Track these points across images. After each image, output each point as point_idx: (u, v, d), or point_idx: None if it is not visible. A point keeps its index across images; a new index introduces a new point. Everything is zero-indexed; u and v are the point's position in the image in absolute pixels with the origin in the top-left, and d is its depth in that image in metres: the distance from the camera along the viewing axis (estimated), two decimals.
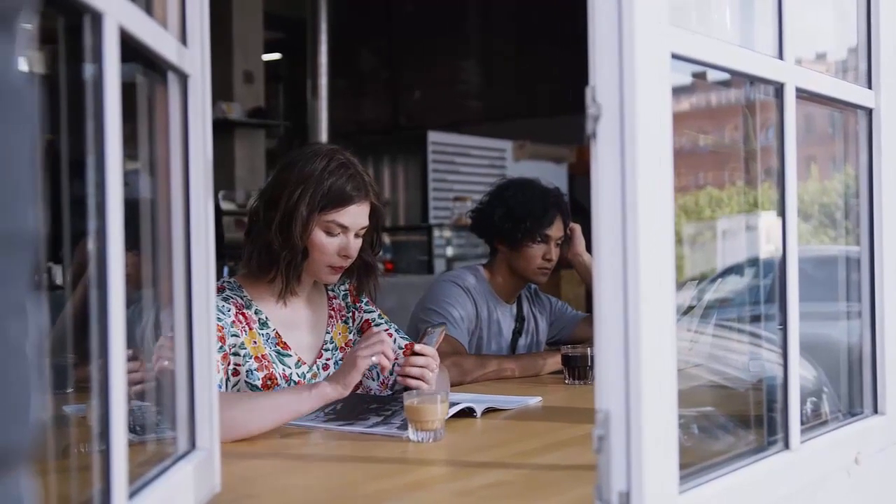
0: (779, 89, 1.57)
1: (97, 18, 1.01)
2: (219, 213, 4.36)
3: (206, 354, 1.41)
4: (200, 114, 1.40)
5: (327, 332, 2.39)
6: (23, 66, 0.59)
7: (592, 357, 2.72)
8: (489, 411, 2.23)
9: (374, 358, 2.01)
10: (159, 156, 1.37)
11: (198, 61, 1.40)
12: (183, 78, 1.37)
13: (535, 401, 2.40)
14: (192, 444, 1.39)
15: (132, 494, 1.11)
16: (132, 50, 1.13)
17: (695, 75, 1.55)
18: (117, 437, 1.03)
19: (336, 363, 2.37)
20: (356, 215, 2.26)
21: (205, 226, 1.41)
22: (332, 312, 2.43)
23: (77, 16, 1.01)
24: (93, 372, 1.03)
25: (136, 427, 1.34)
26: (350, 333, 2.44)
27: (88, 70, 1.03)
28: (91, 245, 1.02)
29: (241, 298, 2.26)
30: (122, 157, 1.04)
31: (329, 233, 2.24)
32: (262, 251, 2.24)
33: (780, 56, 1.57)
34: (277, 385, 2.22)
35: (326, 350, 2.38)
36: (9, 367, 0.55)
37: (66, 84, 1.05)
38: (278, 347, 2.27)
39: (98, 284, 1.02)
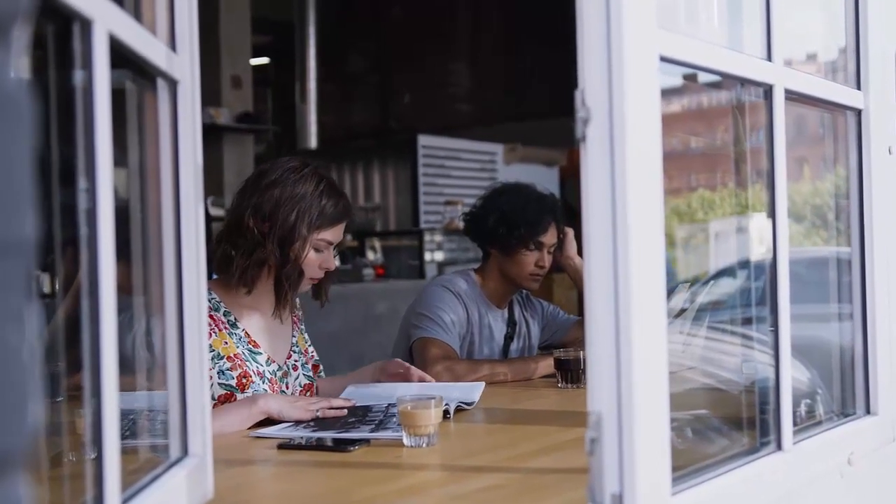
0: (768, 91, 1.57)
1: (86, 25, 1.01)
2: (208, 219, 4.40)
3: (197, 361, 1.40)
4: (190, 120, 1.39)
5: (293, 337, 2.50)
6: (18, 73, 0.59)
7: (585, 360, 2.73)
8: (460, 410, 2.26)
9: (318, 413, 2.17)
10: (149, 162, 1.37)
11: (187, 67, 1.40)
12: (172, 84, 1.36)
13: (478, 387, 2.43)
14: (185, 451, 1.39)
15: (125, 501, 1.10)
16: (120, 56, 1.13)
17: (685, 77, 1.56)
18: (110, 444, 1.03)
19: (303, 365, 2.48)
20: (341, 232, 2.39)
21: (195, 232, 1.40)
22: (295, 320, 2.54)
23: (66, 22, 1.01)
24: (85, 379, 1.02)
25: (125, 433, 1.33)
26: (306, 343, 2.56)
27: (78, 76, 1.03)
28: (82, 252, 1.02)
29: (210, 301, 2.30)
30: (112, 163, 1.04)
31: (317, 249, 2.34)
32: (255, 265, 2.30)
33: (769, 58, 1.57)
34: (253, 382, 2.29)
35: (294, 352, 2.48)
36: (7, 373, 0.55)
37: (54, 90, 1.05)
38: (250, 346, 2.34)
39: (89, 292, 1.02)
